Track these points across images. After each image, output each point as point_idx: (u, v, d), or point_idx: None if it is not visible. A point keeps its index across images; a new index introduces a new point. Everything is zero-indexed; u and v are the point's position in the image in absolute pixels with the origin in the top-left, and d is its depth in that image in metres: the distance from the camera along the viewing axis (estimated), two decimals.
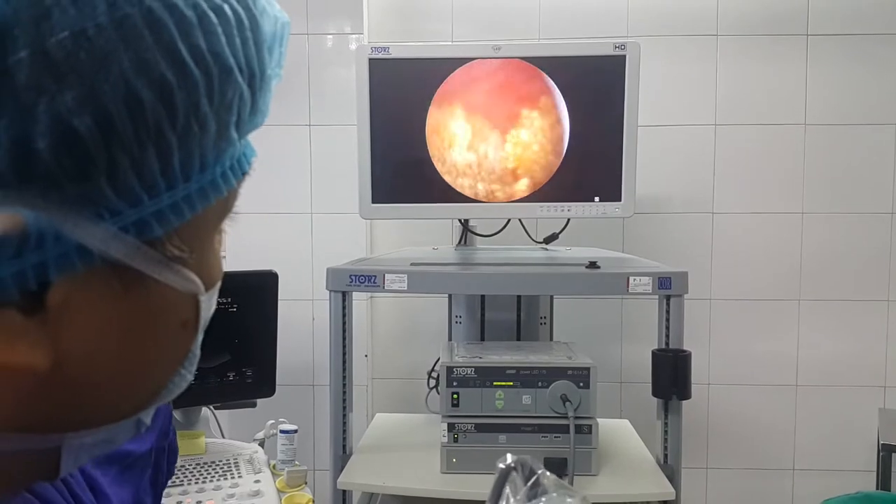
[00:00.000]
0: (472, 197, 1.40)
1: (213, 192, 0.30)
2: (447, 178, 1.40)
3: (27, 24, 0.24)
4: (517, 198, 1.40)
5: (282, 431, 1.54)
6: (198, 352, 0.36)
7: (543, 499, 0.46)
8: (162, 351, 0.33)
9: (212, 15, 0.28)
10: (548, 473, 0.48)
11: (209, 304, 0.34)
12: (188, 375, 0.35)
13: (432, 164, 1.40)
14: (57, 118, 0.24)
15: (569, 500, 0.45)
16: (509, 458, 0.49)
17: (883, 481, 1.68)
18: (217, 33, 0.28)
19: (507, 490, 0.48)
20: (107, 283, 0.28)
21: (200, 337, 0.36)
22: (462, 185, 1.39)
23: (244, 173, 0.33)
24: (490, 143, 1.38)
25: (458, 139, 1.38)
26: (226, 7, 0.29)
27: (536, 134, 1.38)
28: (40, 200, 0.25)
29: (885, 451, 1.68)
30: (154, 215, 0.28)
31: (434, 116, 1.38)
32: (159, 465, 0.65)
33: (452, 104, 1.38)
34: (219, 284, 0.36)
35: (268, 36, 0.32)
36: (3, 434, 0.29)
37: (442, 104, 1.38)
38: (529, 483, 0.47)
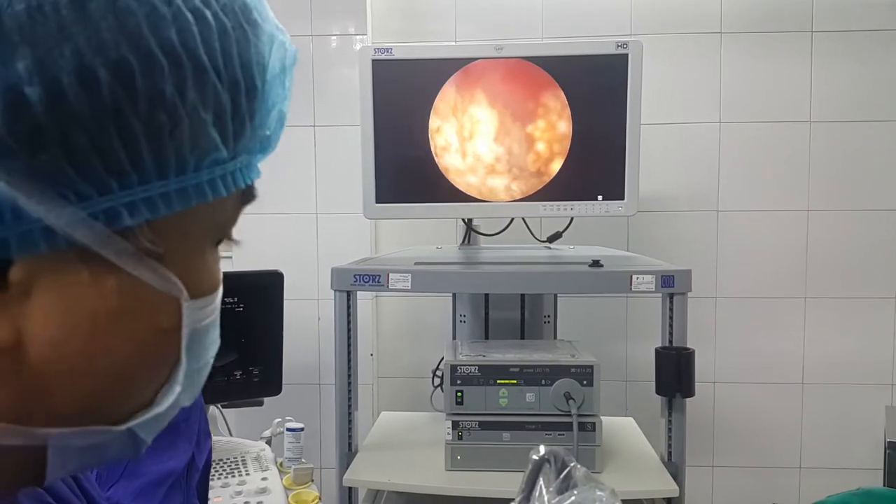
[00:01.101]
0: (492, 196, 1.41)
1: (197, 197, 0.31)
2: (466, 177, 1.40)
3: None
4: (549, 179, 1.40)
5: (288, 429, 1.55)
6: (186, 364, 0.34)
7: (575, 491, 0.46)
8: (140, 353, 0.32)
9: (188, 14, 0.29)
10: (579, 466, 0.49)
11: (197, 314, 0.34)
12: (177, 388, 0.34)
13: (436, 164, 1.40)
14: (9, 85, 0.25)
15: (599, 492, 0.46)
16: (542, 449, 0.50)
17: (890, 479, 1.68)
18: (192, 31, 0.29)
19: (541, 481, 0.48)
20: (74, 269, 0.29)
21: (202, 350, 0.35)
22: (493, 185, 1.40)
23: (238, 188, 0.33)
24: (513, 137, 1.38)
25: (482, 128, 1.39)
26: (208, 13, 0.30)
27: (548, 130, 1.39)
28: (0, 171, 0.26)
29: (891, 449, 1.68)
30: (126, 206, 0.28)
31: (451, 101, 1.38)
32: (207, 465, 0.68)
33: (474, 91, 1.38)
34: (213, 298, 0.35)
35: (263, 56, 0.33)
36: None
37: (462, 90, 1.38)
38: (562, 475, 0.48)
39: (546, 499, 0.47)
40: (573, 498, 0.46)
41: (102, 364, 0.31)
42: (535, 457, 0.50)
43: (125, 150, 0.28)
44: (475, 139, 1.40)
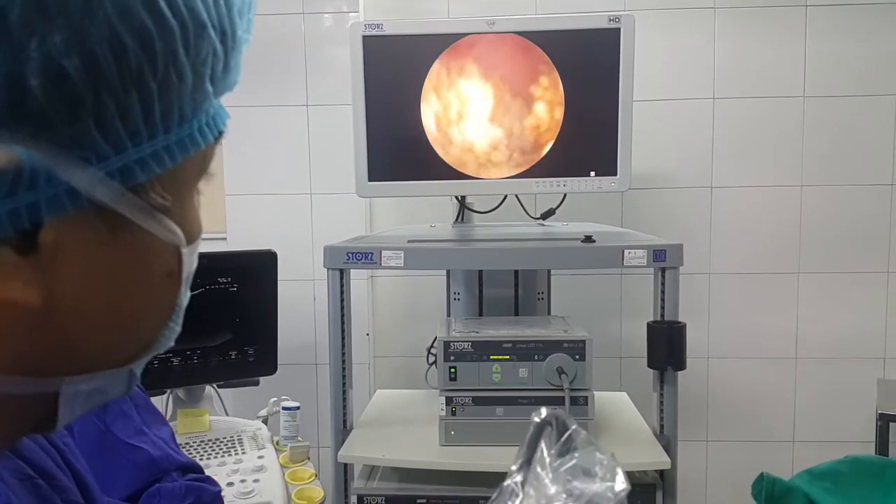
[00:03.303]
0: (474, 174, 1.41)
1: (192, 145, 0.32)
2: (470, 159, 1.40)
3: None
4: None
5: (284, 408, 1.56)
6: (184, 305, 0.37)
7: (576, 454, 0.46)
8: (149, 299, 0.35)
9: None
10: (579, 429, 0.48)
11: (191, 258, 0.36)
12: (176, 328, 0.37)
13: (428, 142, 1.40)
14: (48, 58, 0.26)
15: (599, 455, 0.46)
16: (544, 411, 0.49)
17: (881, 451, 1.70)
18: None
19: (542, 444, 0.48)
20: (94, 227, 0.30)
21: (186, 292, 0.37)
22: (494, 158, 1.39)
23: (220, 132, 0.35)
24: (513, 114, 1.38)
25: (480, 112, 1.38)
26: None
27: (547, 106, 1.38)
28: (32, 140, 0.26)
29: (882, 421, 1.69)
30: (138, 162, 0.30)
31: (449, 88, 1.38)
32: None
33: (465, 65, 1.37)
34: (199, 241, 0.37)
35: (237, 0, 0.34)
36: (3, 376, 0.30)
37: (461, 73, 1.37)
38: (563, 439, 0.48)
39: (547, 462, 0.47)
40: (574, 461, 0.46)
41: (119, 314, 0.33)
42: (536, 419, 0.49)
43: (142, 111, 0.29)
44: (466, 119, 1.39)
